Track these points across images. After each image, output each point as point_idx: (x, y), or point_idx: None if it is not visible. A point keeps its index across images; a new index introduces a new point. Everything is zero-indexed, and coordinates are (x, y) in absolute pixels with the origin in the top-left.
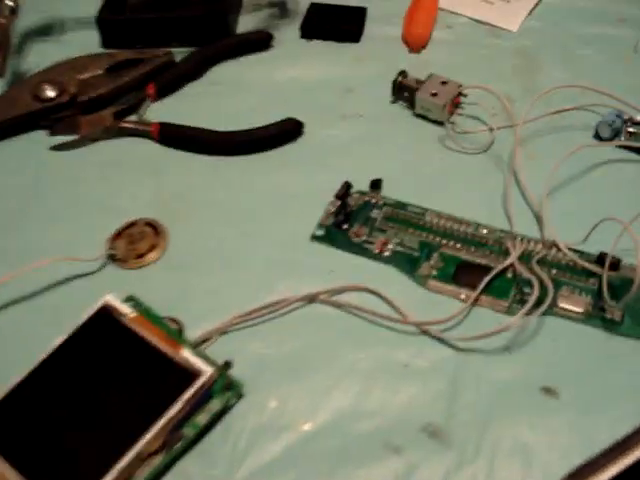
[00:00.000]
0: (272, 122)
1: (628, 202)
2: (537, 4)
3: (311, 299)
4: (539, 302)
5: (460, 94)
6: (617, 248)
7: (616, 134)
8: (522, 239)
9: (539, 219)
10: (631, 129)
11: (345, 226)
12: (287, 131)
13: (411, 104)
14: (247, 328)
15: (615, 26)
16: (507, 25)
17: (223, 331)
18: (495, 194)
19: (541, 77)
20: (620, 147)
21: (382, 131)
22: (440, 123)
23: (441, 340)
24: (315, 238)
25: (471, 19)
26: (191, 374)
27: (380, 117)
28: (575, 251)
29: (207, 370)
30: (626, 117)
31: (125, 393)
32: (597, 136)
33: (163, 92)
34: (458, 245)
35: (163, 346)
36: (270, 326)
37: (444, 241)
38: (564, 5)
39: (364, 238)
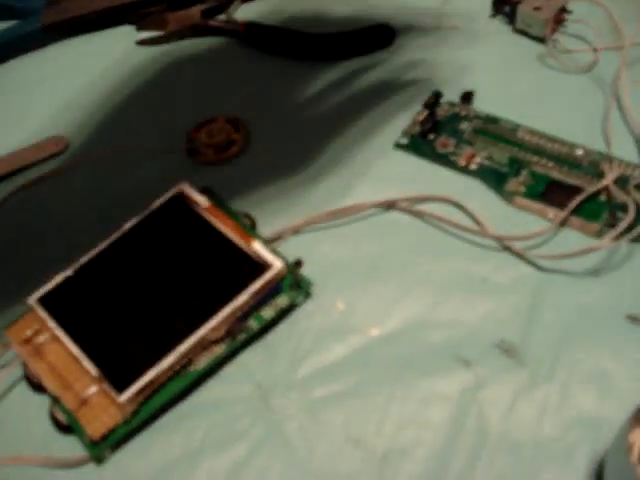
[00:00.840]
0: (363, 27)
1: None
2: None
3: (389, 205)
4: (631, 227)
5: (565, 10)
6: None
7: None
8: (620, 162)
9: None
10: None
11: (431, 136)
12: (378, 38)
13: (511, 19)
14: (321, 230)
15: None
16: None
17: (296, 231)
18: (594, 116)
19: None
20: None
21: (478, 45)
22: (541, 40)
23: (523, 257)
24: (398, 146)
25: None
26: (261, 266)
27: (477, 31)
28: None
29: (277, 263)
30: None
31: (193, 279)
32: None
33: None
34: (550, 164)
35: (235, 237)
36: (344, 230)
37: (535, 158)
38: None
39: (450, 149)
